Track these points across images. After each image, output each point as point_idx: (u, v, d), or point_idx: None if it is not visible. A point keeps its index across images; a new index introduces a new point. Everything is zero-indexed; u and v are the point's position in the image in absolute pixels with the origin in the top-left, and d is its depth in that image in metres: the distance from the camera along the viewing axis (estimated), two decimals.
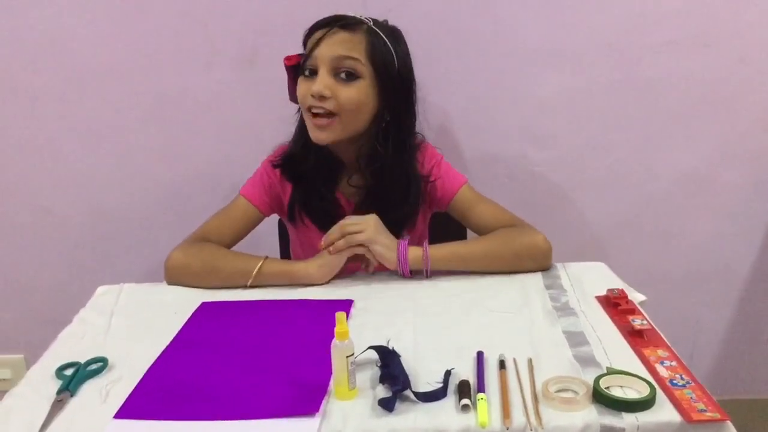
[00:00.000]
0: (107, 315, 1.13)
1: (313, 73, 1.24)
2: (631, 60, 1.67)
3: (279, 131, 1.72)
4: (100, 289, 1.23)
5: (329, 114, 1.23)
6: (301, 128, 1.33)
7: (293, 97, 1.32)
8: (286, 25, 1.62)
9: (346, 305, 1.12)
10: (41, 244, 1.85)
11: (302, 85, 1.26)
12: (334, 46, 1.22)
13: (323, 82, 1.22)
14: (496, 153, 1.73)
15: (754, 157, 1.75)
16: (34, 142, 1.77)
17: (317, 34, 1.24)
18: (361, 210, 1.30)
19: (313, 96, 1.22)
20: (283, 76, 1.56)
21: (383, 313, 1.11)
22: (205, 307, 1.15)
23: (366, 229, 1.21)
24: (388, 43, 1.25)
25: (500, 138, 1.73)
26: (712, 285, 1.87)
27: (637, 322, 0.99)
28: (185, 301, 1.16)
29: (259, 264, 1.23)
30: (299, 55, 1.28)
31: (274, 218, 1.61)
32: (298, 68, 1.28)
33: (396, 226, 1.28)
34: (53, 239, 1.85)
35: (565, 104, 1.72)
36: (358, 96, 1.24)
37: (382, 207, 1.28)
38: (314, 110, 1.24)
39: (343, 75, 1.23)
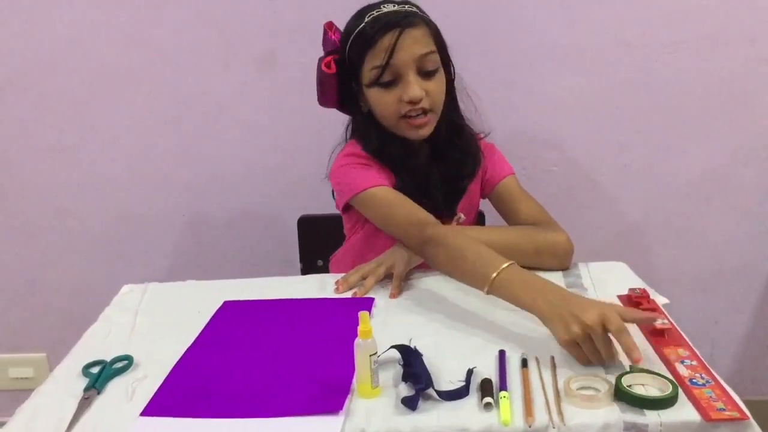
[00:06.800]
0: (132, 313, 1.15)
1: (393, 81, 1.22)
2: (648, 59, 1.67)
3: (297, 132, 1.73)
4: (125, 288, 1.24)
5: (424, 111, 1.24)
6: (371, 132, 1.30)
7: (332, 102, 1.31)
8: (303, 27, 1.64)
9: (366, 304, 1.13)
10: (63, 245, 1.88)
11: (386, 96, 1.24)
12: (412, 48, 1.20)
13: (417, 85, 1.21)
14: (512, 153, 1.73)
15: None
16: (55, 146, 1.79)
17: (384, 42, 1.19)
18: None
19: (410, 102, 1.21)
20: (301, 77, 1.56)
21: (404, 312, 1.11)
22: (227, 306, 1.16)
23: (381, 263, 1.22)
24: (427, 16, 1.26)
25: (516, 138, 1.74)
26: (731, 285, 1.86)
27: (659, 322, 0.99)
28: (208, 300, 1.17)
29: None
30: (334, 55, 1.26)
31: (294, 217, 1.63)
32: (342, 72, 1.26)
33: (459, 188, 1.32)
34: (74, 240, 1.87)
35: (582, 104, 1.72)
36: (443, 85, 1.26)
37: (448, 169, 1.29)
38: (411, 114, 1.23)
39: (426, 71, 1.23)
